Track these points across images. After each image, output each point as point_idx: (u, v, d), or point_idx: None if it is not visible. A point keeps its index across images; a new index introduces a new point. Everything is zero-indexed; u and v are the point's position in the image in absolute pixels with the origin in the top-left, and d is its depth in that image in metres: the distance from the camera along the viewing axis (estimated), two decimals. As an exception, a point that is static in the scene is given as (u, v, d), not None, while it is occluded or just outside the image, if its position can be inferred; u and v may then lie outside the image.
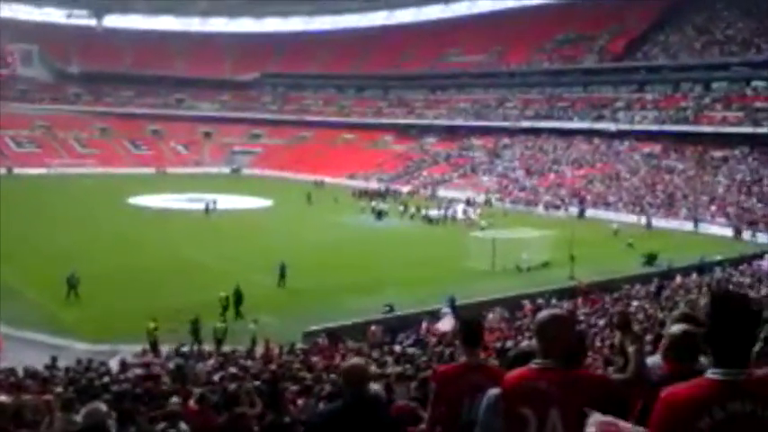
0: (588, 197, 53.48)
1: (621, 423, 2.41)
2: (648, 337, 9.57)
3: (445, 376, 3.73)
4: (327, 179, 66.97)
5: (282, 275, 25.95)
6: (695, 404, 1.97)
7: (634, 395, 3.00)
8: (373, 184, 65.16)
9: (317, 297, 24.34)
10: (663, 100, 62.11)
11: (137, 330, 18.82)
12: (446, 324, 19.25)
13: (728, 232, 41.89)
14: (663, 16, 68.79)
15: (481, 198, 56.32)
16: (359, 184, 65.39)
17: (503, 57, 78.30)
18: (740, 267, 27.97)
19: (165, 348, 17.82)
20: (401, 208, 48.48)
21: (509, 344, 13.48)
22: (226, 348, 18.07)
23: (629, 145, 60.46)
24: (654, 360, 3.33)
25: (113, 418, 6.15)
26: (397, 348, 15.45)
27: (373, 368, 10.63)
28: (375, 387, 5.40)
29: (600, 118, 63.87)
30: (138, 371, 13.05)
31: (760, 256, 30.18)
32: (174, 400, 8.05)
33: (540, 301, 22.21)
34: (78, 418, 4.62)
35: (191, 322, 19.51)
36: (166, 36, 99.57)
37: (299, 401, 8.41)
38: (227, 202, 49.58)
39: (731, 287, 20.56)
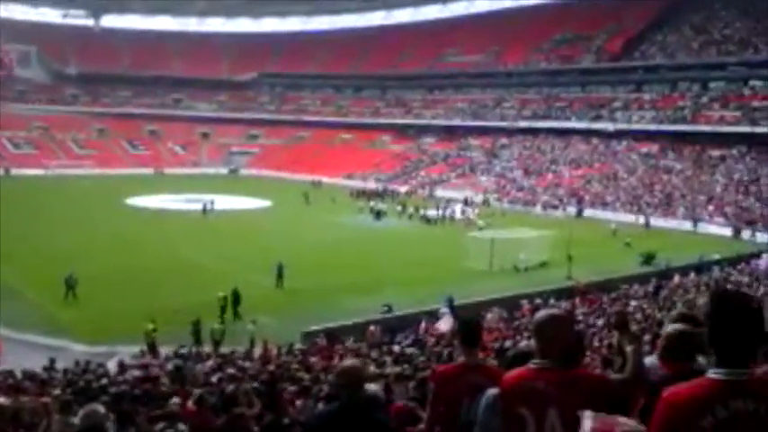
0: (586, 197, 53.55)
1: (621, 419, 2.42)
2: (647, 337, 9.61)
3: (444, 376, 3.73)
4: (325, 179, 67.01)
5: (280, 276, 25.94)
6: (698, 403, 1.97)
7: (635, 394, 3.00)
8: (371, 184, 65.22)
9: (316, 297, 24.34)
10: (660, 100, 62.23)
11: (135, 332, 18.78)
12: (445, 324, 19.25)
13: (727, 232, 41.98)
14: (660, 16, 68.91)
15: (479, 198, 56.39)
16: (356, 184, 65.41)
17: (500, 57, 78.38)
18: (738, 267, 28.02)
19: (163, 350, 17.80)
20: (399, 208, 48.51)
21: (507, 344, 13.47)
22: (224, 349, 18.04)
23: (626, 145, 60.55)
24: (652, 360, 3.33)
25: (112, 420, 6.14)
26: (396, 348, 15.44)
27: (372, 368, 10.63)
28: (374, 387, 5.39)
29: (597, 118, 63.96)
30: (137, 372, 13.02)
31: (757, 255, 30.23)
32: (173, 401, 8.05)
33: (538, 301, 22.19)
34: (76, 420, 4.60)
35: (192, 324, 19.49)
36: (164, 36, 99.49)
37: (298, 402, 8.40)
38: (225, 202, 49.58)
39: (729, 286, 20.56)
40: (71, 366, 14.48)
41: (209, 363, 14.46)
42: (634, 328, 10.57)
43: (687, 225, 44.59)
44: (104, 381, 11.25)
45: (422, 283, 26.48)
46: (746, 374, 1.99)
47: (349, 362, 3.82)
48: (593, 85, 69.39)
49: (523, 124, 69.20)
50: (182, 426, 6.44)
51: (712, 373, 2.02)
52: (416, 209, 47.69)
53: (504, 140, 70.20)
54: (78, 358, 15.76)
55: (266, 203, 52.20)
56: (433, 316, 20.98)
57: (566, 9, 76.16)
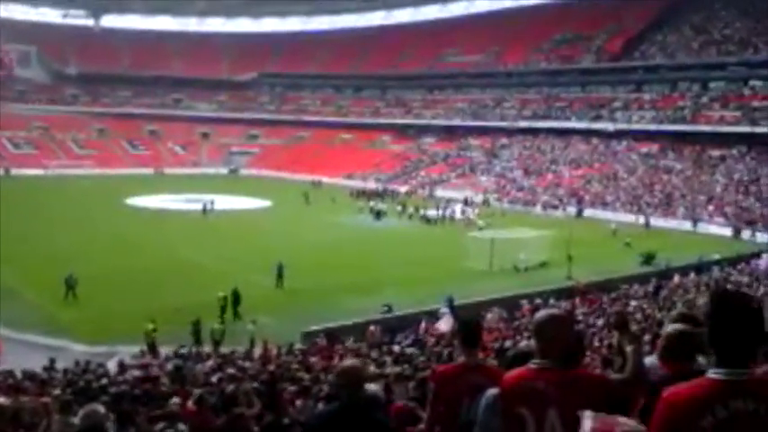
0: (586, 197, 53.55)
1: (621, 419, 2.42)
2: (647, 337, 9.61)
3: (444, 376, 3.73)
4: (325, 179, 67.02)
5: (280, 276, 25.94)
6: (698, 403, 1.97)
7: (635, 395, 3.00)
8: (371, 184, 65.21)
9: (316, 297, 24.34)
10: (660, 100, 62.22)
11: (135, 332, 18.78)
12: (445, 324, 19.25)
13: (727, 231, 41.97)
14: (660, 16, 68.90)
15: (479, 198, 56.38)
16: (356, 184, 65.41)
17: (500, 57, 78.38)
18: (738, 267, 28.01)
19: (163, 350, 17.79)
20: (399, 208, 48.52)
21: (507, 344, 13.47)
22: (224, 349, 18.04)
23: (626, 145, 60.55)
24: (652, 360, 3.33)
25: (112, 420, 6.14)
26: (396, 348, 15.44)
27: (372, 368, 10.63)
28: (374, 387, 5.39)
29: (597, 118, 63.96)
30: (137, 372, 13.03)
31: (757, 255, 30.23)
32: (173, 401, 8.05)
33: (538, 301, 22.18)
34: (76, 420, 4.60)
35: (192, 324, 19.49)
36: (164, 36, 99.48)
37: (298, 402, 8.40)
38: (225, 202, 49.58)
39: (729, 286, 20.56)
40: (71, 366, 14.48)
41: (209, 363, 14.46)
42: (634, 328, 10.56)
43: (687, 225, 44.59)
44: (104, 381, 11.26)
45: (422, 283, 26.48)
46: (746, 374, 1.99)
47: (349, 362, 3.82)
48: (593, 85, 69.38)
49: (523, 124, 69.20)
50: (182, 426, 6.44)
51: (712, 373, 2.02)
52: (416, 209, 47.69)
53: (504, 140, 70.20)
54: (78, 358, 15.77)
55: (266, 203, 52.20)
56: (433, 316, 20.97)
57: (566, 9, 76.16)
